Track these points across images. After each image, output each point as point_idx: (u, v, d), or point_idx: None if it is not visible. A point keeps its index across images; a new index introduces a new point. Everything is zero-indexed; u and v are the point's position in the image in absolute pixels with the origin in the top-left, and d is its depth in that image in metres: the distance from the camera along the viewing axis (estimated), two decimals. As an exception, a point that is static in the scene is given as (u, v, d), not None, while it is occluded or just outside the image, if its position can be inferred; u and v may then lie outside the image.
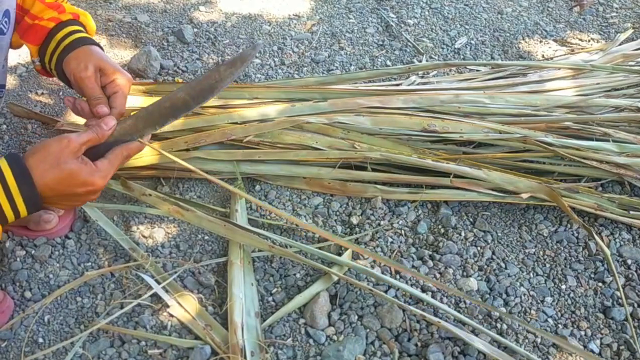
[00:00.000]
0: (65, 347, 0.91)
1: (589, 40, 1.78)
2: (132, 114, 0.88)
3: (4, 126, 1.35)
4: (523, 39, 1.79)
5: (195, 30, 1.78)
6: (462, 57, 1.70)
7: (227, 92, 1.31)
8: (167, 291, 0.97)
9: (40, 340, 0.93)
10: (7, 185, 0.70)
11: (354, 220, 1.14)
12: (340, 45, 1.74)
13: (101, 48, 0.91)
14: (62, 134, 0.80)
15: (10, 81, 1.50)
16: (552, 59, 1.67)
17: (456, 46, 1.74)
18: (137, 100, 1.29)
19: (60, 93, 1.48)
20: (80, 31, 0.92)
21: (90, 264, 1.04)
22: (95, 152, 0.78)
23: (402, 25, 1.84)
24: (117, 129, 0.81)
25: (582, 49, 1.72)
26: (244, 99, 1.30)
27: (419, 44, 1.74)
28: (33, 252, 1.05)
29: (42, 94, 1.48)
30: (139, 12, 1.86)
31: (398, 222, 1.13)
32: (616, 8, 1.97)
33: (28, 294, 0.99)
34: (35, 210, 0.73)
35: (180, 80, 1.54)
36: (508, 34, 1.82)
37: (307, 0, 2.00)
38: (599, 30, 1.84)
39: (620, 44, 1.65)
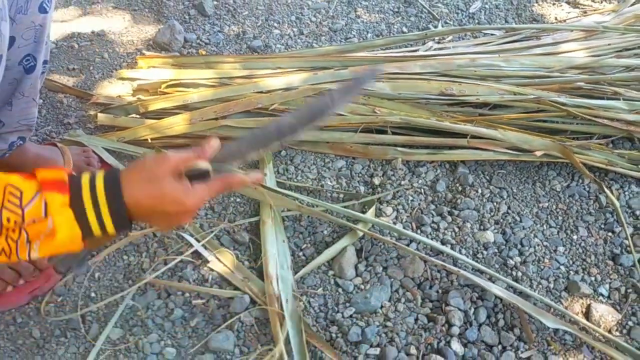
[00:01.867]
0: (117, 300, 1.00)
1: (601, 2, 1.80)
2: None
3: (41, 100, 1.42)
4: (536, 2, 1.82)
5: (215, 2, 1.82)
6: (476, 21, 1.74)
7: (252, 62, 1.37)
8: (206, 248, 1.05)
9: (93, 294, 1.02)
10: (96, 196, 0.64)
11: (376, 181, 1.21)
12: (356, 14, 1.79)
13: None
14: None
15: (45, 58, 1.57)
16: (564, 21, 1.70)
17: (471, 11, 1.77)
18: (166, 73, 1.36)
19: (91, 68, 1.55)
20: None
21: (133, 225, 1.13)
22: (198, 178, 0.70)
23: (417, -9, 1.88)
24: (221, 151, 0.72)
25: (594, 10, 1.74)
26: (268, 69, 1.36)
27: (434, 9, 1.78)
28: (80, 216, 1.14)
29: (74, 69, 1.55)
30: (160, -13, 1.91)
31: (418, 182, 1.20)
32: (630, -32, 1.98)
33: (78, 254, 1.08)
34: (124, 227, 0.67)
35: (204, 52, 1.60)
36: (522, -3, 1.84)
37: (322, -31, 2.03)
38: (612, -9, 1.86)
39: (632, 5, 1.67)
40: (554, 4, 1.81)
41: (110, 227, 0.65)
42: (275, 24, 1.74)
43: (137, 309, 0.98)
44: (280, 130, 0.75)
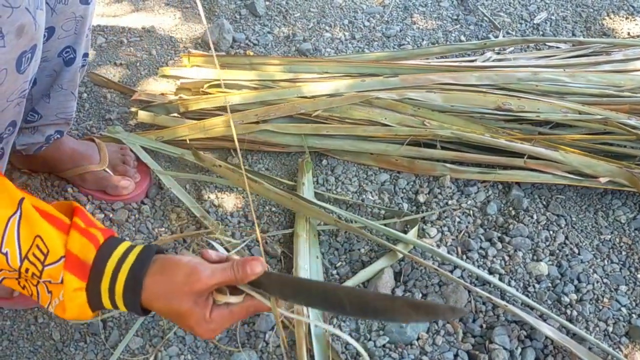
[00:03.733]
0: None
1: (682, 17, 1.66)
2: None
3: (85, 94, 1.41)
4: (607, 15, 1.69)
5: (267, 3, 1.79)
6: (541, 33, 1.63)
7: (297, 65, 1.32)
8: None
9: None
10: (114, 291, 0.63)
11: (421, 198, 1.13)
12: (412, 20, 1.71)
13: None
14: (201, 253, 0.67)
15: (90, 51, 1.57)
16: (638, 36, 1.58)
17: (535, 22, 1.67)
18: (209, 72, 1.32)
19: (137, 64, 1.53)
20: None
21: (163, 229, 1.09)
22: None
23: (478, -1, 1.78)
24: (262, 276, 0.64)
25: (673, 25, 1.61)
26: (313, 73, 1.30)
27: (496, 18, 1.68)
28: (111, 215, 1.11)
29: (120, 64, 1.54)
30: (213, -16, 1.89)
31: (467, 202, 1.12)
32: None
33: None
34: (137, 314, 0.67)
35: (251, 53, 1.56)
36: (591, 10, 1.72)
37: (379, -27, 1.96)
38: (694, 6, 1.71)
39: None
40: (627, 18, 1.68)
41: (122, 310, 0.65)
42: (327, 27, 1.68)
43: (160, 319, 0.94)
44: (326, 299, 0.64)
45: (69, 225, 0.64)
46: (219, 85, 1.29)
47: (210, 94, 1.29)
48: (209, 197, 1.15)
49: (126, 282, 0.63)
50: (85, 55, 1.04)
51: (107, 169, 1.13)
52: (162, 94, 1.35)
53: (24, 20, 0.68)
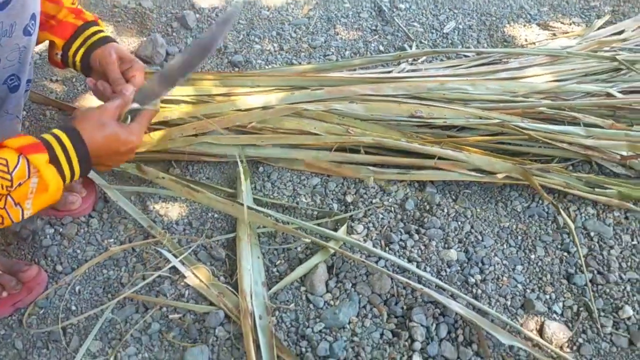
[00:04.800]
0: (96, 313, 1.04)
1: (570, 24, 1.88)
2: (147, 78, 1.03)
3: (24, 112, 1.45)
4: (508, 23, 1.89)
5: (197, 15, 1.87)
6: (450, 41, 1.80)
7: (231, 80, 1.41)
8: (183, 264, 1.10)
9: (74, 307, 1.06)
10: (67, 151, 0.81)
11: (349, 198, 1.26)
12: (335, 30, 1.84)
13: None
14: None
15: (27, 69, 1.60)
16: (534, 43, 1.78)
17: (445, 31, 1.84)
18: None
19: (74, 80, 1.58)
20: (102, 31, 1.04)
21: (112, 240, 1.17)
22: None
23: (394, 9, 1.94)
24: (137, 93, 0.94)
25: (563, 33, 1.82)
26: (246, 87, 1.40)
27: (410, 28, 1.84)
28: (61, 230, 1.18)
29: (57, 81, 1.58)
30: (143, -2, 1.95)
31: (388, 200, 1.26)
32: (598, -9, 2.06)
33: (59, 268, 1.12)
34: (88, 170, 0.86)
35: (185, 67, 1.64)
36: (494, 18, 1.91)
37: (303, -16, 2.08)
38: (580, 14, 1.94)
39: (598, 29, 1.76)
40: (524, 26, 1.88)
41: (77, 174, 0.84)
42: (257, 39, 1.78)
43: (116, 322, 1.03)
44: (181, 67, 0.93)
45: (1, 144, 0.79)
46: (157, 101, 1.37)
47: (149, 109, 1.37)
48: (154, 208, 1.24)
49: (70, 139, 0.82)
50: (29, 80, 1.10)
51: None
52: (102, 111, 1.42)
53: None
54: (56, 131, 0.83)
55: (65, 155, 0.82)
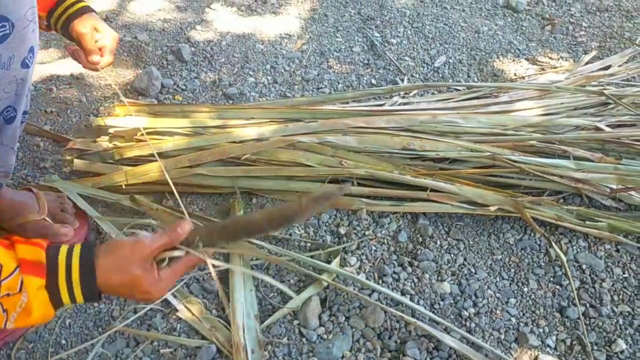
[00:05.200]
0: (87, 348, 1.03)
1: (558, 59, 1.92)
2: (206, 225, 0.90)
3: (18, 143, 1.46)
4: (497, 58, 1.93)
5: (193, 49, 1.89)
6: (441, 75, 1.83)
7: (226, 112, 1.43)
8: (175, 297, 1.10)
9: (63, 341, 1.05)
10: (70, 278, 0.72)
11: (342, 230, 1.27)
12: (328, 64, 1.87)
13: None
14: (136, 234, 0.78)
15: (22, 101, 1.61)
16: (523, 78, 1.81)
17: (436, 65, 1.87)
18: (142, 121, 1.41)
19: (68, 111, 1.59)
20: (82, 1, 1.12)
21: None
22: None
23: (386, 44, 1.97)
24: (191, 233, 0.77)
25: (552, 67, 1.86)
26: (241, 119, 1.42)
27: (401, 62, 1.88)
28: (53, 262, 1.17)
29: (51, 112, 1.59)
30: (139, 31, 1.97)
31: (381, 232, 1.26)
32: (585, 27, 2.12)
33: (50, 300, 1.10)
34: (94, 299, 0.75)
35: (180, 98, 1.67)
36: (484, 53, 1.95)
37: (297, 19, 2.12)
38: (567, 49, 1.98)
39: (585, 64, 1.80)
40: (513, 60, 1.92)
41: (80, 301, 0.73)
42: (251, 72, 1.81)
43: (107, 356, 1.01)
44: (249, 227, 0.77)
45: (11, 243, 0.72)
46: (152, 133, 1.38)
47: (144, 141, 1.38)
48: (147, 239, 1.23)
49: (80, 268, 0.72)
50: (25, 112, 1.11)
51: (46, 218, 1.19)
52: (96, 142, 1.42)
53: None
54: (74, 256, 0.73)
55: (67, 285, 0.72)
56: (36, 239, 0.75)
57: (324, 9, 2.21)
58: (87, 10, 1.12)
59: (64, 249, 0.73)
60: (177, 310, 1.07)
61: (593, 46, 1.99)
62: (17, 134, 1.11)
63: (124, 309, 1.09)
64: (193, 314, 1.07)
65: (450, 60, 1.90)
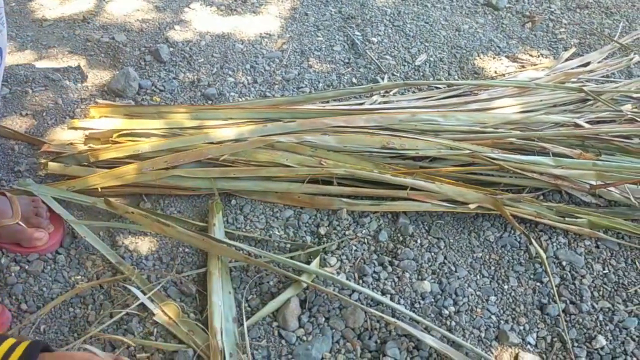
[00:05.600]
0: (61, 353, 1.01)
1: (539, 56, 1.93)
2: None
3: (-10, 146, 1.43)
4: (478, 56, 1.93)
5: (171, 49, 1.87)
6: (421, 73, 1.83)
7: (203, 113, 1.41)
8: (152, 300, 1.08)
9: (37, 348, 1.02)
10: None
11: (322, 230, 1.25)
12: (309, 63, 1.86)
13: None
14: (88, 350, 0.80)
15: (-4, 103, 1.58)
16: (504, 75, 1.81)
17: (416, 63, 1.87)
18: (118, 122, 1.39)
19: (44, 114, 1.56)
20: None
21: (80, 277, 1.14)
22: None
23: (367, 43, 1.97)
24: None
25: (532, 64, 1.86)
26: (219, 120, 1.40)
27: (382, 61, 1.87)
28: (27, 267, 1.15)
29: (26, 115, 1.56)
30: (116, 32, 1.95)
31: (361, 232, 1.26)
32: (565, 24, 2.12)
33: (24, 306, 1.08)
34: None
35: (158, 99, 1.64)
36: (464, 51, 1.95)
37: (277, 18, 2.11)
38: (548, 46, 1.99)
39: (565, 61, 1.80)
40: (494, 58, 1.92)
41: None
42: (230, 72, 1.79)
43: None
44: None
45: None
46: (128, 135, 1.36)
47: (119, 142, 1.35)
48: (123, 243, 1.21)
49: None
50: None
51: (20, 222, 1.17)
52: (71, 144, 1.40)
53: None
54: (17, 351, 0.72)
55: None
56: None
57: (305, 7, 2.19)
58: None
59: (1, 350, 0.69)
60: (154, 314, 1.05)
61: (573, 43, 1.99)
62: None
63: (99, 313, 1.07)
64: (170, 318, 1.05)
65: (431, 59, 1.90)
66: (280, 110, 1.42)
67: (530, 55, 1.93)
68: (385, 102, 1.55)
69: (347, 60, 1.88)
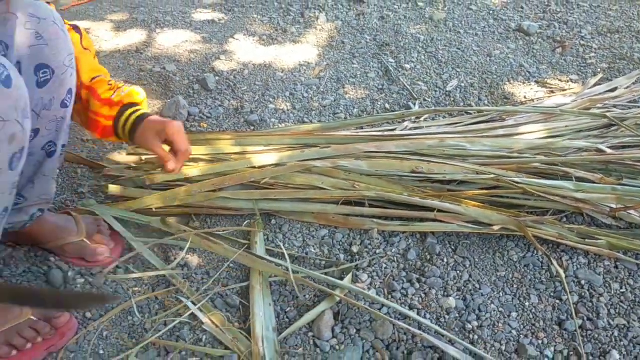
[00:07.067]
0: (122, 358, 1.13)
1: (568, 81, 1.99)
2: None
3: (58, 171, 1.59)
4: (508, 81, 2.01)
5: (217, 78, 2.02)
6: (452, 99, 1.92)
7: (246, 139, 1.54)
8: (201, 310, 1.20)
9: (101, 352, 1.15)
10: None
11: (355, 249, 1.36)
12: (344, 90, 1.98)
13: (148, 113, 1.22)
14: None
15: (62, 130, 1.75)
16: (532, 100, 1.88)
17: (448, 89, 1.96)
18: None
19: (103, 140, 1.72)
20: (133, 111, 1.20)
21: (137, 288, 1.28)
22: None
23: (400, 69, 2.07)
24: None
25: (561, 90, 1.93)
26: (260, 145, 1.53)
27: (415, 87, 1.97)
28: (90, 279, 1.29)
29: (87, 140, 1.73)
30: (167, 62, 2.11)
31: (391, 250, 1.35)
32: (595, 49, 2.18)
33: (88, 315, 1.22)
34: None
35: (206, 125, 1.78)
36: (495, 76, 2.03)
37: (315, 47, 2.24)
38: (577, 71, 2.05)
39: (593, 86, 1.86)
40: (524, 83, 1.99)
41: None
42: (271, 99, 1.92)
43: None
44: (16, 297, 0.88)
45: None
46: (179, 160, 1.50)
47: (172, 167, 1.49)
48: (175, 258, 1.34)
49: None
50: (64, 145, 1.23)
51: (85, 239, 1.31)
52: (129, 168, 1.55)
53: (14, 130, 0.89)
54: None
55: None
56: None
57: (342, 36, 2.32)
58: (139, 119, 1.19)
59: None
60: (202, 323, 1.17)
61: (602, 68, 2.05)
62: (57, 165, 1.23)
63: (155, 321, 1.19)
64: (217, 326, 1.16)
65: (462, 84, 1.99)
66: (316, 136, 1.54)
67: (560, 80, 2.00)
68: (415, 128, 1.65)
69: (380, 87, 1.99)
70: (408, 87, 1.96)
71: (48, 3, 1.10)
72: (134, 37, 2.30)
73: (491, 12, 2.47)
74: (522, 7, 2.48)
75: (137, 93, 1.24)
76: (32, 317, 1.14)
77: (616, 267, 1.29)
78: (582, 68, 2.07)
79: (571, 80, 2.00)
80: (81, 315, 1.22)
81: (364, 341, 1.15)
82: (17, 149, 0.92)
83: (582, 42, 2.22)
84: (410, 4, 2.58)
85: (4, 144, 0.88)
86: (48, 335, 1.14)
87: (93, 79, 1.22)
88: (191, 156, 1.48)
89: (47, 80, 1.08)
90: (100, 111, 1.20)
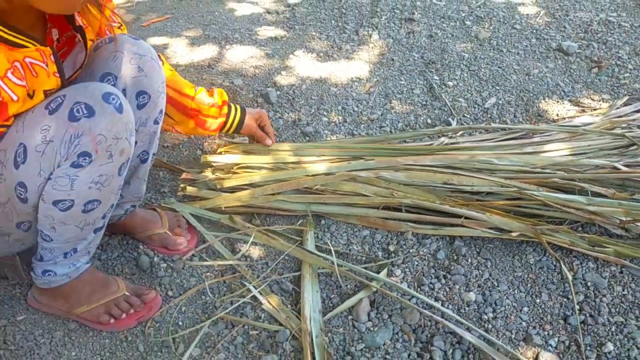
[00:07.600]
0: (197, 328, 1.40)
1: (600, 100, 2.14)
2: None
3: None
4: (543, 99, 2.17)
5: (278, 92, 2.28)
6: (489, 115, 2.10)
7: (302, 150, 1.79)
8: (260, 293, 1.46)
9: (180, 323, 1.43)
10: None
11: (391, 248, 1.58)
12: (391, 105, 2.19)
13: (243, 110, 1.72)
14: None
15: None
16: (564, 118, 2.04)
17: (486, 106, 2.14)
18: (237, 157, 1.80)
19: (180, 146, 2.02)
20: (235, 108, 1.70)
21: (209, 273, 1.55)
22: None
23: (443, 86, 2.27)
24: None
25: (592, 109, 2.08)
26: (314, 156, 1.78)
27: (455, 104, 2.16)
28: (172, 265, 1.57)
29: (167, 146, 2.02)
30: (235, 77, 2.39)
31: (423, 250, 1.57)
32: (630, 69, 2.31)
33: (170, 293, 1.50)
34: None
35: (267, 136, 2.04)
36: (531, 94, 2.20)
37: (367, 63, 2.46)
38: (610, 90, 2.19)
39: (622, 106, 2.01)
40: (558, 102, 2.15)
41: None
42: (325, 113, 2.16)
43: (211, 335, 1.38)
44: None
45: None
46: (245, 167, 1.77)
47: (238, 173, 1.76)
48: (240, 250, 1.61)
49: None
50: (154, 153, 1.52)
51: (167, 231, 1.60)
52: (203, 173, 1.83)
53: (124, 145, 1.16)
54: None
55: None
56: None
57: (392, 53, 2.53)
58: (243, 117, 1.71)
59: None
60: (261, 304, 1.43)
61: (635, 88, 2.18)
62: (148, 169, 1.51)
63: (223, 301, 1.46)
64: (273, 307, 1.42)
65: (500, 102, 2.17)
66: (362, 149, 1.77)
67: (592, 100, 2.14)
68: (452, 143, 1.85)
69: (424, 103, 2.19)
70: (449, 103, 2.16)
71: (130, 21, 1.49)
72: (206, 52, 2.59)
73: (534, 31, 2.63)
74: (564, 27, 2.62)
75: (222, 91, 1.65)
76: (126, 293, 1.43)
77: (621, 272, 1.46)
78: (615, 88, 2.20)
79: (603, 99, 2.14)
80: (164, 293, 1.50)
81: (394, 325, 1.38)
82: (125, 159, 1.20)
83: (618, 62, 2.35)
84: (458, 22, 2.76)
85: (117, 156, 1.16)
86: (138, 308, 1.42)
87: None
88: (255, 164, 1.76)
89: (145, 103, 1.36)
90: (209, 112, 1.61)
